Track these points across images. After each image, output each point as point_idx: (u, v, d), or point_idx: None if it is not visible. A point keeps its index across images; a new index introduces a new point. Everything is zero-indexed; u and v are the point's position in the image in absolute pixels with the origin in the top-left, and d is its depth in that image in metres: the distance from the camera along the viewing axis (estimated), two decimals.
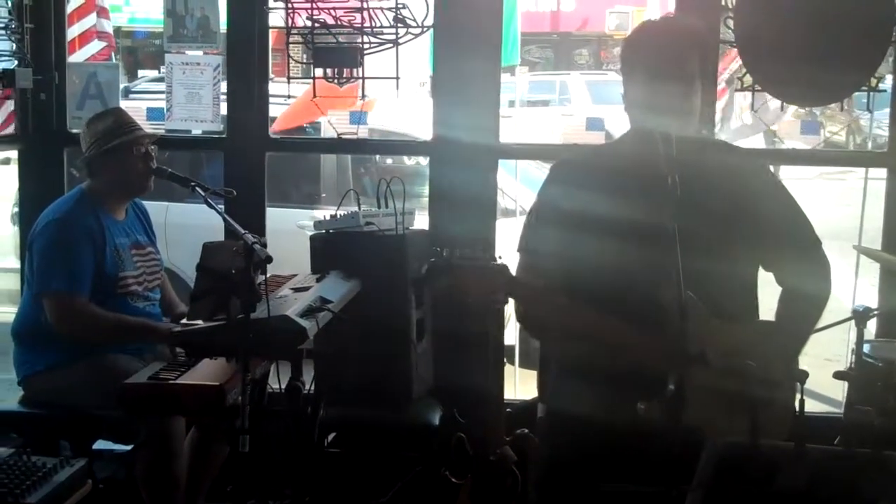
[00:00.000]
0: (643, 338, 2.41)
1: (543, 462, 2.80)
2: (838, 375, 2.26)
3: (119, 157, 3.80)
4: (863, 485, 2.06)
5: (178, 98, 4.60)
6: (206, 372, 3.27)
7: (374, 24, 4.37)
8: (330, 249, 3.98)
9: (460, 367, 4.02)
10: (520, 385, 5.64)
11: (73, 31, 4.96)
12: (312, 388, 3.68)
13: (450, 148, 4.43)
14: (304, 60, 4.50)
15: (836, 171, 12.57)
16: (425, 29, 4.39)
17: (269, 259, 3.06)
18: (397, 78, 4.44)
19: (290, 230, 5.98)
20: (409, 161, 7.91)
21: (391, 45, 4.39)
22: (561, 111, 15.27)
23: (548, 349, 3.03)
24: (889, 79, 4.61)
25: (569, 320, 2.60)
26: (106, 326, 3.67)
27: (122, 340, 3.73)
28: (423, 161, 6.01)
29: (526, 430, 3.31)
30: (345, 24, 4.40)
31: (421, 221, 4.49)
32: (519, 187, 6.49)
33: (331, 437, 4.00)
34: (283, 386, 3.40)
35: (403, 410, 3.90)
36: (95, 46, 5.15)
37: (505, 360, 6.01)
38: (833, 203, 10.50)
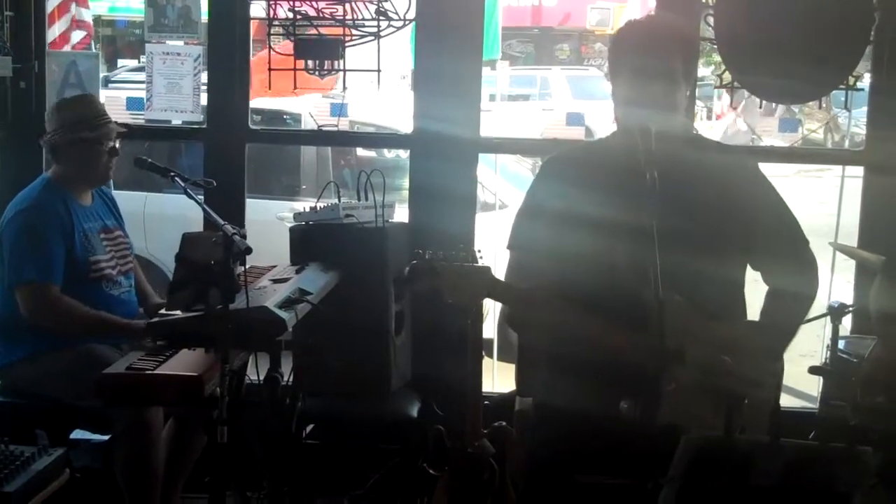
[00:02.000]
0: (626, 336, 2.41)
1: (529, 454, 2.81)
2: (813, 370, 2.28)
3: (85, 148, 3.80)
4: (836, 479, 2.08)
5: (159, 88, 4.58)
6: (184, 362, 3.26)
7: (355, 17, 4.36)
8: (309, 241, 3.97)
9: (439, 359, 4.04)
10: (498, 378, 5.65)
11: (54, 30, 4.95)
12: (291, 379, 3.67)
13: (430, 141, 4.43)
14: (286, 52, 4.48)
15: (813, 169, 12.66)
16: (407, 22, 4.39)
17: (249, 250, 3.05)
18: (378, 71, 4.44)
19: (270, 221, 5.98)
20: (389, 154, 7.90)
21: (373, 37, 4.38)
22: (541, 106, 15.29)
23: (531, 344, 3.03)
24: (867, 78, 4.64)
25: (553, 319, 2.61)
26: (79, 321, 3.66)
27: (95, 335, 3.72)
28: (404, 154, 6.02)
29: (503, 423, 3.32)
30: (326, 16, 4.39)
31: (401, 214, 4.49)
32: (499, 181, 6.49)
33: (309, 428, 4.00)
34: (262, 377, 3.39)
35: (382, 403, 3.91)
36: (76, 36, 5.13)
37: (483, 353, 6.04)
38: (811, 200, 10.58)
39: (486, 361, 6.07)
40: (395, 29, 4.42)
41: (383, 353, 3.89)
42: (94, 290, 3.76)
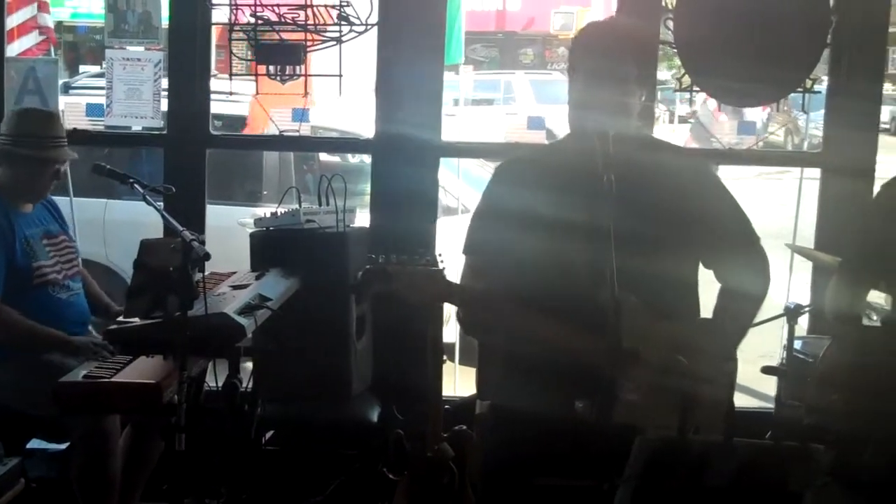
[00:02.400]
0: (582, 337, 2.42)
1: (486, 457, 2.81)
2: (767, 370, 2.29)
3: (30, 163, 3.77)
4: (788, 478, 2.09)
5: (119, 94, 4.55)
6: (142, 370, 3.24)
7: (317, 22, 4.35)
8: (270, 247, 3.96)
9: (400, 364, 4.03)
10: (459, 382, 5.66)
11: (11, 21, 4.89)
12: (251, 385, 3.66)
13: (392, 146, 4.43)
14: (248, 57, 4.46)
15: (774, 171, 12.75)
16: (369, 27, 4.38)
17: (207, 256, 3.04)
18: (340, 76, 4.43)
19: (231, 227, 5.94)
20: (353, 159, 7.89)
21: (335, 42, 4.38)
22: (505, 110, 15.31)
23: (490, 347, 3.04)
24: (824, 80, 4.68)
25: (508, 322, 2.62)
26: (19, 333, 3.61)
27: (34, 349, 3.67)
28: (367, 159, 6.00)
29: (464, 427, 3.32)
30: (288, 21, 4.37)
31: (364, 219, 4.49)
32: (461, 186, 6.50)
33: (269, 434, 3.98)
34: (221, 384, 3.38)
35: (342, 408, 3.90)
36: (33, 39, 5.07)
37: (445, 357, 6.04)
38: (771, 202, 10.66)
39: (447, 365, 6.10)
40: (356, 34, 4.41)
41: (344, 358, 3.89)
42: (41, 296, 3.72)
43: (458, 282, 2.60)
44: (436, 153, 4.49)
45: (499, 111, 15.50)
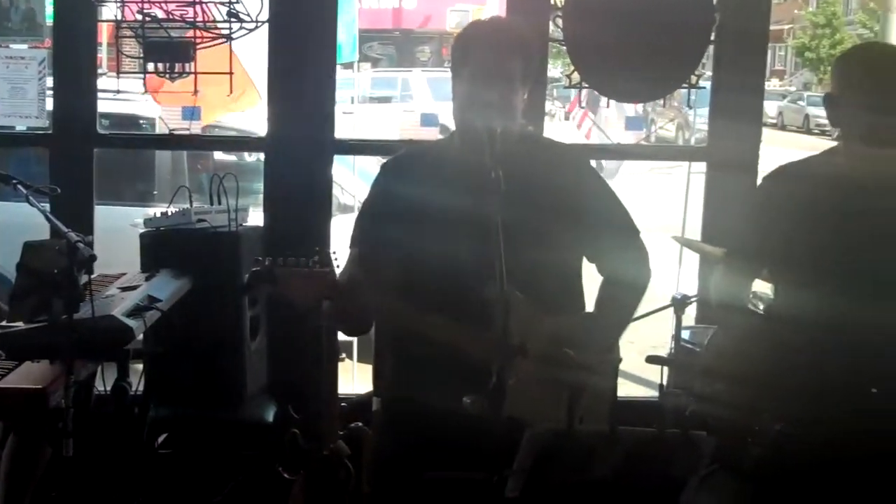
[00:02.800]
0: (470, 332, 2.43)
1: (376, 453, 2.81)
2: (651, 360, 2.33)
3: None
4: (672, 465, 2.14)
5: (2, 93, 4.43)
6: (27, 375, 3.14)
7: (206, 19, 4.29)
8: (160, 247, 3.90)
9: (295, 363, 4.00)
10: (358, 379, 5.65)
11: None
12: (142, 388, 3.59)
13: (284, 144, 4.40)
14: (136, 55, 4.38)
15: (665, 166, 13.04)
16: (259, 24, 4.34)
17: (93, 258, 2.96)
18: (231, 73, 4.38)
19: (123, 228, 5.81)
20: (250, 157, 7.80)
21: (224, 39, 4.32)
22: (403, 107, 15.32)
23: (382, 343, 3.04)
24: (709, 76, 4.79)
25: (394, 319, 2.63)
26: None
27: None
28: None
29: (360, 424, 3.32)
30: (177, 18, 4.30)
31: (259, 218, 4.45)
32: (357, 183, 6.48)
33: (162, 438, 3.91)
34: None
35: (236, 408, 3.87)
36: None
37: (343, 355, 6.03)
38: (663, 196, 10.91)
39: (345, 363, 6.10)
40: (247, 31, 4.37)
41: (237, 359, 3.86)
42: None
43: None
44: (329, 151, 4.48)
45: (397, 108, 15.50)
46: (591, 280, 2.80)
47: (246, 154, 7.71)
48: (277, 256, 2.44)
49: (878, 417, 2.64)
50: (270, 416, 3.93)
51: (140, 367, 3.76)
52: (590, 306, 2.76)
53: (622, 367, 2.77)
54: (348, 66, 10.57)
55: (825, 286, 2.65)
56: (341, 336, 5.06)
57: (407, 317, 2.55)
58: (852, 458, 2.60)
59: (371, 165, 7.12)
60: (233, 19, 4.30)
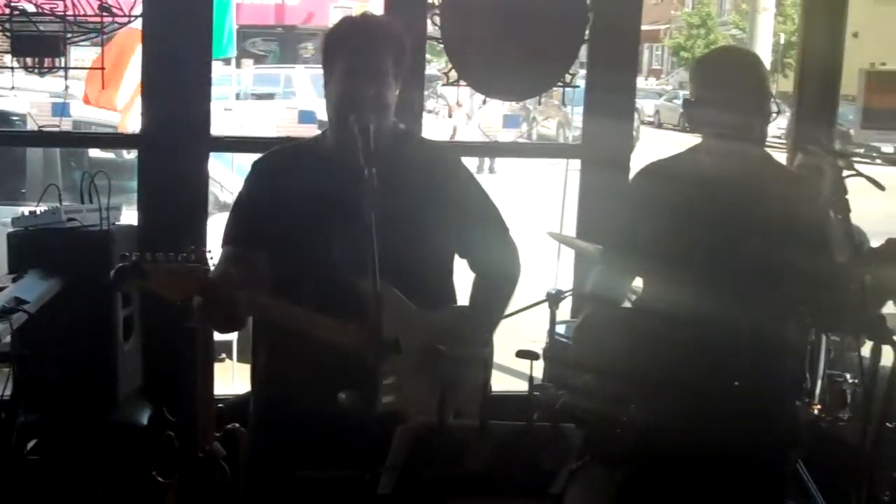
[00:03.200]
0: (345, 328, 2.42)
1: (249, 453, 2.78)
2: (521, 354, 2.36)
3: None
4: (543, 457, 2.17)
5: None
6: None
7: (77, 13, 4.18)
8: (28, 247, 3.79)
9: (170, 364, 3.92)
10: (238, 379, 5.59)
11: None
12: (9, 393, 3.48)
13: (159, 140, 4.31)
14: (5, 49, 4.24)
15: (545, 164, 13.25)
16: (132, 18, 4.25)
17: None
18: (103, 69, 4.28)
19: None
20: (128, 155, 7.62)
21: (96, 34, 4.22)
22: (286, 104, 15.19)
23: (258, 342, 3.00)
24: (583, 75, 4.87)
25: (268, 317, 2.60)
26: None
27: None
28: None
29: (237, 425, 3.27)
30: (46, 11, 4.18)
31: (133, 217, 4.35)
32: (236, 181, 6.39)
33: (31, 444, 3.79)
34: None
35: (109, 411, 3.78)
36: None
37: (224, 355, 5.96)
38: (544, 193, 11.07)
39: (225, 363, 6.02)
40: (120, 25, 4.28)
41: (109, 361, 3.78)
42: None
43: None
44: (204, 148, 4.40)
45: (280, 105, 15.37)
46: (464, 276, 2.82)
47: (124, 151, 7.54)
48: (145, 253, 2.38)
49: (739, 410, 2.72)
50: (145, 418, 3.85)
51: (7, 370, 3.65)
52: (462, 302, 2.78)
53: (501, 361, 2.81)
54: (228, 62, 10.43)
55: (689, 281, 2.71)
56: (222, 336, 5.03)
57: (281, 314, 2.53)
58: (714, 449, 2.68)
59: (250, 163, 7.04)
60: (104, 13, 4.19)
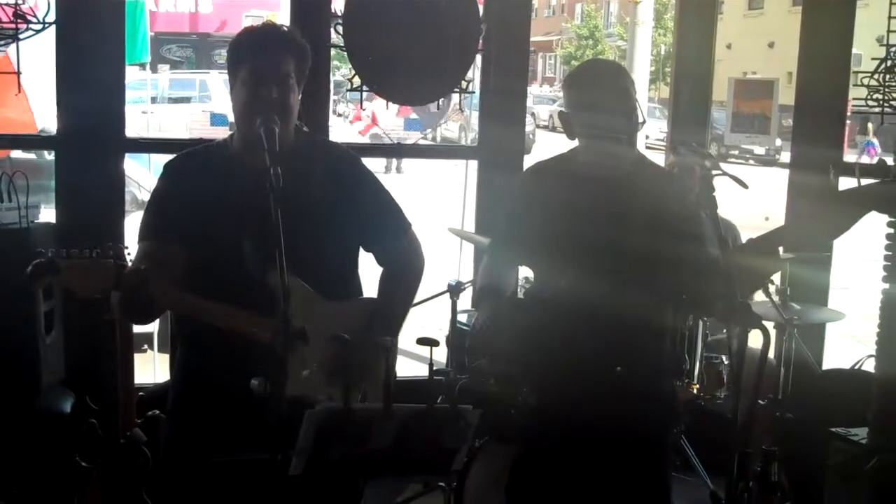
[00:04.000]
0: (254, 319, 2.41)
1: (168, 438, 2.74)
2: (420, 341, 2.37)
3: None
4: (442, 436, 2.18)
5: None
6: None
7: None
8: None
9: (92, 355, 3.85)
10: (159, 369, 5.50)
11: None
12: None
13: (74, 142, 4.25)
14: None
15: (451, 164, 13.32)
16: (47, 25, 4.14)
17: None
18: (19, 73, 4.18)
19: None
20: (50, 155, 7.42)
21: (11, 40, 4.10)
22: (202, 107, 15.00)
23: (176, 333, 2.96)
24: (477, 82, 4.92)
25: (182, 309, 2.57)
26: None
27: None
28: None
29: (157, 412, 3.22)
30: None
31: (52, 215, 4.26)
32: (153, 180, 6.27)
33: None
34: None
35: (31, 402, 3.70)
36: None
37: (146, 346, 5.85)
38: (446, 191, 11.12)
39: (146, 353, 5.91)
40: (35, 31, 4.16)
41: (31, 352, 3.71)
42: None
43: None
44: (119, 148, 4.37)
45: (196, 108, 15.18)
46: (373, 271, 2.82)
47: (46, 152, 7.33)
48: (61, 249, 2.33)
49: (622, 390, 2.78)
50: (68, 406, 3.77)
51: None
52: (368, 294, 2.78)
53: (409, 348, 2.82)
54: (144, 67, 10.22)
55: (573, 271, 2.77)
56: (143, 328, 4.94)
57: (193, 307, 2.49)
58: (600, 426, 2.73)
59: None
60: (19, 20, 4.07)
